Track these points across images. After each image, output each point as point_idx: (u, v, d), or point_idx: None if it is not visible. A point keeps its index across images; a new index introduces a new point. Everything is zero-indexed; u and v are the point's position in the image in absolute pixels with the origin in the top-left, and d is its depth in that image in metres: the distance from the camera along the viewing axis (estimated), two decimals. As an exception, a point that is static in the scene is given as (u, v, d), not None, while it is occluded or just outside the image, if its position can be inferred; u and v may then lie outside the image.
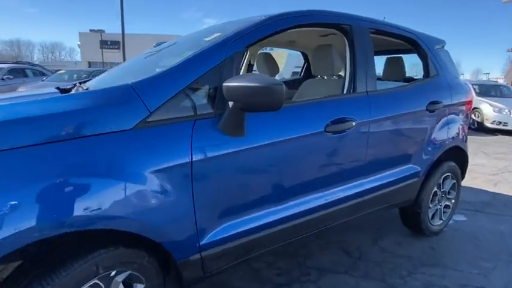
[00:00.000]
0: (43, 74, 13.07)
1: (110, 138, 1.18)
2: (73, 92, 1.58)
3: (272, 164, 1.58)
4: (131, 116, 1.23)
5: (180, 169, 1.30)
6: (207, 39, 1.61)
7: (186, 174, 1.31)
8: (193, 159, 1.32)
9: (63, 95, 1.25)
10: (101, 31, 33.74)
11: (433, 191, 2.56)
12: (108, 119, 1.19)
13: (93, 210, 1.10)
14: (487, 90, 10.20)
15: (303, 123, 1.66)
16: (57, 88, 1.68)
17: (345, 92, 1.98)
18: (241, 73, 3.26)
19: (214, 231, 1.44)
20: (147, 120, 1.25)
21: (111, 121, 1.19)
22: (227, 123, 1.38)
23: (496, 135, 8.65)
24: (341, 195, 1.88)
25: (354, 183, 1.95)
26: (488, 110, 8.89)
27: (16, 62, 15.13)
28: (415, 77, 3.10)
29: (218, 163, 1.39)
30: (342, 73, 2.64)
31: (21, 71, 12.61)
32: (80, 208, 1.08)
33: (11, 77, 11.85)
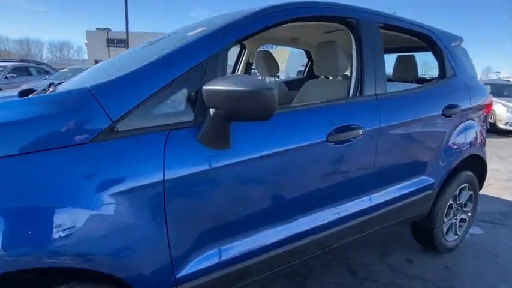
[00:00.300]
0: (47, 73, 13.01)
1: (60, 155, 0.96)
2: (31, 96, 1.37)
3: (263, 180, 1.35)
4: (88, 127, 1.01)
5: (149, 190, 1.08)
6: (190, 33, 1.39)
7: (157, 196, 1.10)
8: (166, 177, 1.10)
9: (8, 101, 1.05)
10: (107, 29, 33.77)
11: (448, 204, 2.31)
12: (57, 131, 0.97)
13: (33, 245, 0.89)
14: (500, 90, 9.82)
15: (300, 132, 1.43)
16: (20, 91, 1.48)
17: (350, 94, 1.75)
18: (238, 73, 3.08)
19: (194, 261, 1.22)
20: (109, 131, 1.04)
21: (62, 134, 0.98)
22: (208, 134, 1.16)
23: (509, 137, 8.30)
24: (345, 213, 1.65)
25: (361, 199, 1.72)
26: (501, 111, 8.54)
27: (21, 61, 15.10)
28: (426, 77, 2.86)
29: (197, 181, 1.17)
30: (347, 72, 2.41)
31: (24, 70, 12.57)
32: (15, 243, 0.87)
33: (15, 75, 11.82)
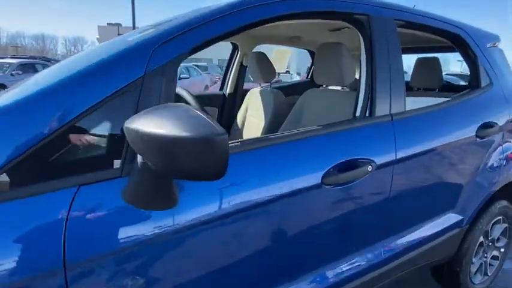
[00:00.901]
0: (53, 69, 12.88)
1: None
2: None
3: (230, 248, 0.96)
4: None
5: (42, 283, 0.71)
6: (131, 38, 1.01)
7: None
8: (69, 259, 0.73)
9: None
10: (118, 25, 33.77)
11: (478, 243, 1.88)
12: None
13: None
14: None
15: (284, 173, 1.03)
16: None
17: (358, 113, 1.34)
18: (230, 77, 2.69)
19: None
20: None
21: None
22: (137, 190, 0.78)
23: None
24: (348, 273, 1.25)
25: (369, 254, 1.31)
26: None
27: (30, 57, 15.05)
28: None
29: (122, 260, 0.80)
30: (357, 76, 2.00)
31: (31, 66, 12.51)
32: None
33: (20, 72, 11.78)
